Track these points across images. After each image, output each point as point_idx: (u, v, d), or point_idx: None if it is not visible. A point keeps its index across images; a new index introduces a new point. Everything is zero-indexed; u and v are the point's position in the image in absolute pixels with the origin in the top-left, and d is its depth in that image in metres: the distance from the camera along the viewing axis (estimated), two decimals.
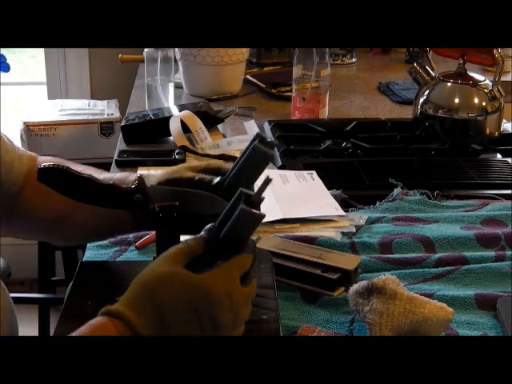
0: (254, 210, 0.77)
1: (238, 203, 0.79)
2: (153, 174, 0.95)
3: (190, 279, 0.76)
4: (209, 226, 0.82)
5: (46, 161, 1.02)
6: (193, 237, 0.81)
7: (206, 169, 0.93)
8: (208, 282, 0.77)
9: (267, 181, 0.81)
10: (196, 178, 0.90)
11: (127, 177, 0.97)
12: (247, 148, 0.89)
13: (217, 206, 0.88)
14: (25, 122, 2.32)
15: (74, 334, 0.73)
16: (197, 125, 1.61)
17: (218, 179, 0.89)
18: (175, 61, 1.95)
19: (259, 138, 0.89)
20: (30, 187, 0.99)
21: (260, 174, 0.88)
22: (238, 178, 0.88)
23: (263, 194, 0.79)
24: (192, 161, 0.95)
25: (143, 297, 0.76)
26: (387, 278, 0.94)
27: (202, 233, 0.82)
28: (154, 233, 1.14)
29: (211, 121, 1.68)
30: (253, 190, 0.87)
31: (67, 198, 0.92)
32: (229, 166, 0.93)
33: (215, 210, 0.90)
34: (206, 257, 0.79)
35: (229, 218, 0.79)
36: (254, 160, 0.89)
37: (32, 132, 2.29)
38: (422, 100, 1.65)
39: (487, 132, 1.61)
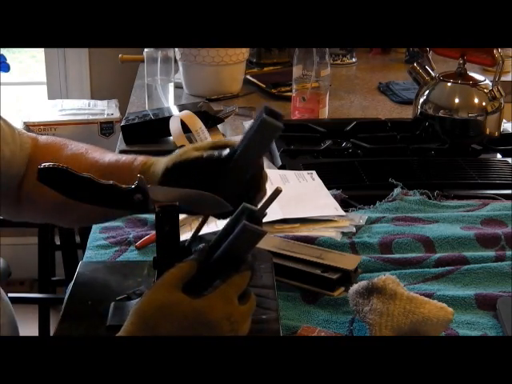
0: (256, 227, 0.76)
1: (241, 218, 0.79)
2: (160, 159, 0.94)
3: (188, 306, 0.77)
4: (201, 246, 0.82)
5: (48, 143, 1.02)
6: (185, 260, 0.82)
7: (212, 146, 0.92)
8: (207, 307, 0.77)
9: (275, 194, 0.80)
10: (204, 155, 0.89)
11: (135, 159, 0.97)
12: (256, 121, 0.86)
13: (217, 206, 0.88)
14: (25, 122, 2.32)
15: None
16: (197, 125, 1.60)
17: (227, 151, 0.88)
18: (175, 61, 1.95)
19: (266, 110, 0.86)
20: (33, 173, 0.99)
21: (269, 146, 0.87)
22: (248, 151, 0.87)
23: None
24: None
25: (144, 329, 0.76)
26: (387, 278, 0.94)
27: (194, 255, 0.82)
28: (154, 233, 1.15)
29: (211, 121, 1.68)
30: (262, 163, 0.87)
31: None
32: (235, 142, 0.90)
33: (216, 209, 0.90)
34: (202, 277, 0.79)
35: (229, 232, 0.79)
36: (263, 133, 0.86)
37: (32, 132, 2.29)
38: (422, 100, 1.65)
39: (487, 132, 1.61)
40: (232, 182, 0.87)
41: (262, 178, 0.91)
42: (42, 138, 1.04)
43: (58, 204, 0.98)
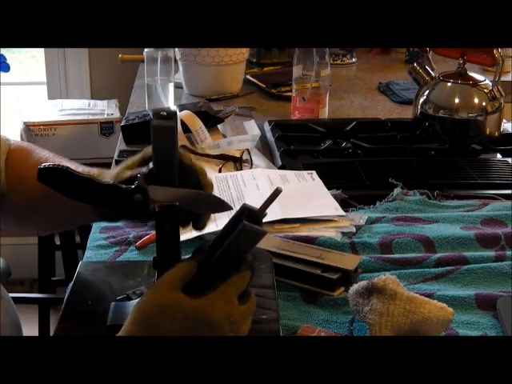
0: (256, 227, 0.76)
1: (240, 218, 0.79)
2: (106, 175, 0.93)
3: (188, 306, 0.77)
4: (200, 246, 0.82)
5: (16, 149, 1.02)
6: (185, 260, 0.82)
7: (143, 160, 0.91)
8: (207, 308, 0.77)
9: (275, 194, 0.80)
10: (134, 173, 0.88)
11: (88, 172, 0.95)
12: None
13: (217, 206, 0.88)
14: (25, 122, 2.32)
15: None
16: (197, 125, 1.61)
17: (150, 164, 0.86)
18: (175, 61, 1.95)
19: (155, 115, 0.84)
20: (7, 179, 0.99)
21: (169, 146, 0.84)
22: (156, 157, 0.84)
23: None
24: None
25: (144, 329, 0.76)
26: (387, 278, 0.94)
27: (193, 255, 0.82)
28: (154, 233, 1.15)
29: (211, 121, 1.68)
30: (185, 163, 0.86)
31: (38, 189, 0.90)
32: None
33: (216, 210, 0.90)
34: (202, 277, 0.79)
35: (229, 232, 0.79)
36: (155, 138, 0.83)
37: (32, 132, 2.29)
38: (422, 100, 1.65)
39: (487, 132, 1.61)
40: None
41: (195, 173, 0.88)
42: (12, 144, 1.03)
43: (22, 211, 1.00)
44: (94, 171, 0.96)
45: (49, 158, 1.01)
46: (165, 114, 0.84)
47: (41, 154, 1.02)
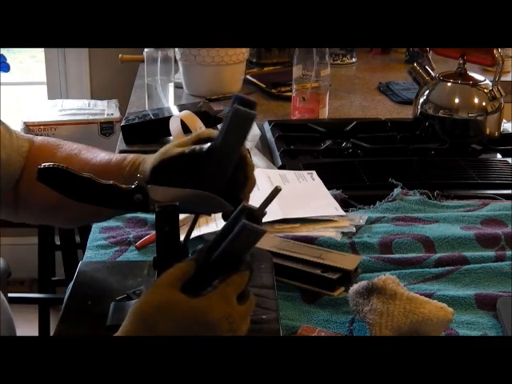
0: (255, 225, 0.76)
1: (240, 218, 0.79)
2: (148, 158, 0.94)
3: (187, 306, 0.76)
4: (199, 247, 0.82)
5: (42, 144, 1.02)
6: (184, 260, 0.82)
7: (197, 140, 0.92)
8: (205, 307, 0.77)
9: (274, 192, 0.80)
10: (186, 151, 0.89)
11: (124, 158, 0.97)
12: (229, 111, 0.84)
13: (218, 206, 0.88)
14: (25, 122, 2.32)
15: None
16: (197, 125, 1.60)
17: (208, 145, 0.87)
18: (175, 61, 1.95)
19: (238, 99, 0.85)
20: (28, 176, 0.99)
21: (246, 135, 0.85)
22: (225, 143, 0.85)
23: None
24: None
25: (142, 329, 0.76)
26: (387, 278, 0.94)
27: (193, 255, 0.82)
28: (154, 233, 1.15)
29: (211, 121, 1.68)
30: (245, 152, 0.87)
31: None
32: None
33: (215, 209, 0.90)
34: (201, 277, 0.79)
35: (228, 231, 0.79)
36: (238, 124, 0.84)
37: (32, 132, 2.29)
38: (422, 100, 1.65)
39: (487, 132, 1.61)
40: (216, 174, 0.86)
41: (247, 166, 0.90)
42: (37, 140, 1.04)
43: (50, 205, 0.99)
44: (130, 157, 0.97)
45: (80, 150, 1.01)
46: (248, 100, 0.84)
47: (68, 150, 1.01)
